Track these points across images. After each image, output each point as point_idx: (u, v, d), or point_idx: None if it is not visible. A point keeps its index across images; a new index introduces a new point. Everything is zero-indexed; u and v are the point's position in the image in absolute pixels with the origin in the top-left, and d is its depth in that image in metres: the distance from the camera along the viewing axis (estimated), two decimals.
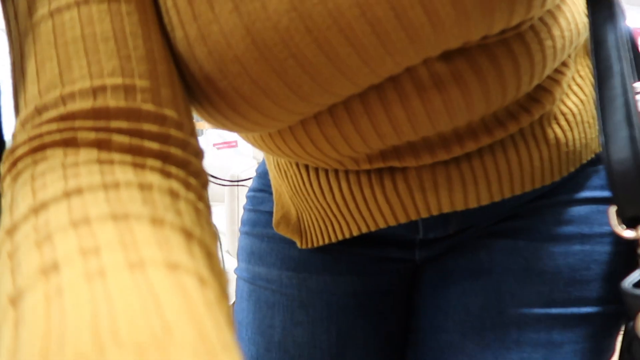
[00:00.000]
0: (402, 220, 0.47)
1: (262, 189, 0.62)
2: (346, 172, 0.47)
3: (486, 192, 0.45)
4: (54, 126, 0.26)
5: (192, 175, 0.29)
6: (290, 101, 0.34)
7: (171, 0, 0.33)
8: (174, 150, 0.28)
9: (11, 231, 0.22)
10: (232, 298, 1.28)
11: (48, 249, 0.20)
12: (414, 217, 0.47)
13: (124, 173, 0.25)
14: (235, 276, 0.64)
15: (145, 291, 0.18)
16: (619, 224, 0.42)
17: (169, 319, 0.18)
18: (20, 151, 0.26)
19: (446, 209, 0.46)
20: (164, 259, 0.20)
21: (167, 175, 0.27)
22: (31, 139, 0.26)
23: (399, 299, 0.59)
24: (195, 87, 0.35)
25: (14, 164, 0.26)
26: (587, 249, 0.47)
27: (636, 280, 0.40)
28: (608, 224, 0.47)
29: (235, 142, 2.98)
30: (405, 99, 0.37)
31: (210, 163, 2.63)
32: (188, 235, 0.23)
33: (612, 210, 0.43)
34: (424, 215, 0.46)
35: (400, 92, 0.37)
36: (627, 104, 0.42)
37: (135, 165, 0.26)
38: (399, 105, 0.37)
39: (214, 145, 3.00)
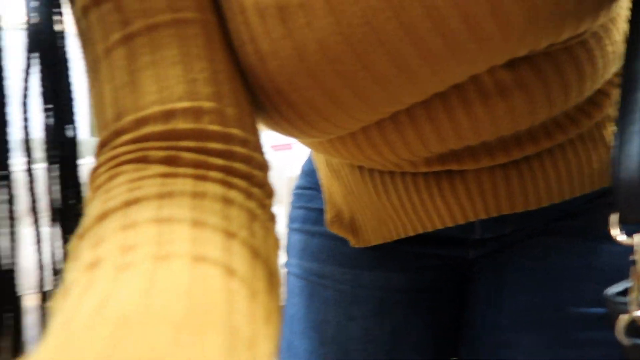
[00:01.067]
0: (460, 221, 0.47)
1: (309, 186, 0.63)
2: (402, 174, 0.48)
3: (546, 194, 0.45)
4: (128, 148, 0.29)
5: (256, 186, 0.31)
6: (359, 110, 0.35)
7: (242, 17, 0.34)
8: (238, 165, 0.30)
9: (81, 236, 0.25)
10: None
11: (97, 249, 0.22)
12: (471, 219, 0.47)
13: (183, 184, 0.26)
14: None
15: (157, 277, 0.19)
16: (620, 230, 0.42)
17: (164, 298, 0.19)
18: (100, 170, 0.29)
19: (505, 210, 0.46)
20: (191, 252, 0.22)
21: (228, 185, 0.28)
22: (109, 159, 0.29)
23: (451, 296, 0.59)
24: (264, 99, 0.36)
25: (93, 180, 0.29)
26: None
27: (621, 289, 0.40)
28: None
29: (290, 144, 2.96)
30: (468, 105, 0.38)
31: None
32: (230, 235, 0.24)
33: (614, 217, 0.43)
34: (482, 216, 0.46)
35: (464, 99, 0.37)
36: None
37: (197, 177, 0.28)
38: (462, 111, 0.38)
39: (271, 147, 3.20)
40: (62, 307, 0.20)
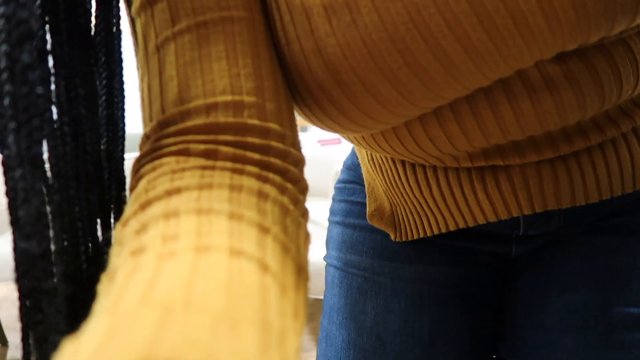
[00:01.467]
0: (504, 216, 0.46)
1: (352, 180, 0.64)
2: (445, 168, 0.47)
3: (595, 189, 0.44)
4: (171, 140, 0.30)
5: (290, 181, 0.32)
6: (401, 106, 0.35)
7: (288, 16, 0.35)
8: (274, 160, 0.31)
9: (125, 223, 0.27)
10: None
11: (142, 236, 0.24)
12: (515, 214, 0.46)
13: (221, 177, 0.28)
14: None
15: (198, 268, 0.20)
16: None
17: (204, 289, 0.19)
18: (143, 160, 0.31)
19: (551, 205, 0.45)
20: (230, 245, 0.22)
21: (263, 180, 0.29)
22: (153, 150, 0.31)
23: (492, 292, 0.58)
24: (307, 95, 0.37)
25: (137, 170, 0.31)
26: None
27: None
28: None
29: (339, 139, 3.06)
30: (514, 100, 0.37)
31: (315, 159, 2.61)
32: (264, 230, 0.25)
33: None
34: (527, 212, 0.45)
35: (509, 94, 0.37)
36: None
37: (234, 171, 0.29)
38: (507, 106, 0.37)
39: (318, 141, 3.07)
40: (108, 291, 0.21)
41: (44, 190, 0.25)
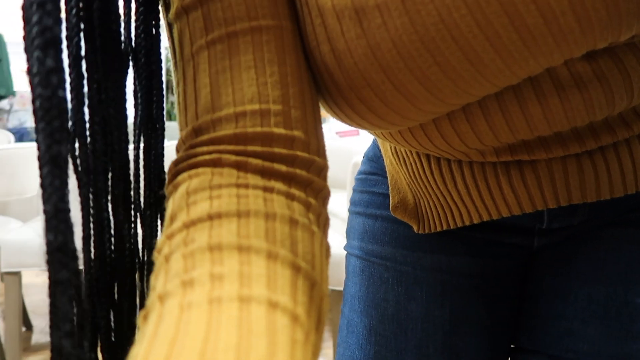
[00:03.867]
0: (528, 210, 0.47)
1: (374, 172, 0.64)
2: (470, 163, 0.48)
3: (620, 184, 0.44)
4: (205, 148, 0.32)
5: (314, 193, 0.33)
6: (430, 103, 0.36)
7: (319, 19, 0.35)
8: (299, 172, 0.33)
9: (170, 237, 0.29)
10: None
11: (190, 264, 0.26)
12: (540, 207, 0.46)
13: (255, 203, 0.30)
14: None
15: (244, 327, 0.23)
16: None
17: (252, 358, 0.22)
18: (180, 166, 0.33)
19: (576, 200, 0.45)
20: (268, 297, 0.25)
21: (291, 198, 0.32)
22: (189, 157, 0.33)
23: (513, 283, 0.59)
24: (337, 94, 0.37)
25: (175, 175, 0.33)
26: None
27: None
28: None
29: (357, 130, 3.01)
30: (542, 97, 0.37)
31: (333, 150, 2.60)
32: (296, 269, 0.28)
33: None
34: (552, 205, 0.46)
35: (538, 91, 0.37)
36: None
37: (265, 190, 0.31)
38: (535, 103, 0.38)
39: (337, 133, 3.08)
40: (166, 316, 0.24)
41: (66, 188, 0.27)
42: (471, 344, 0.57)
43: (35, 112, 0.27)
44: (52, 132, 0.26)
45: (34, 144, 2.07)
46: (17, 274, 1.73)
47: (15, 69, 4.86)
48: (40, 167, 0.26)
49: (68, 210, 0.27)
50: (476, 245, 0.58)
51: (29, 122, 5.38)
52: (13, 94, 4.54)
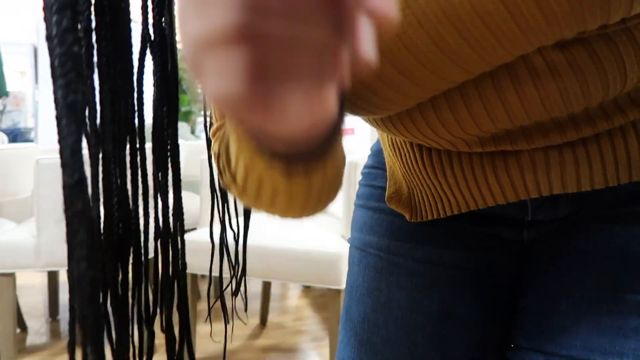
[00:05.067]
0: (511, 199, 0.48)
1: (376, 166, 0.67)
2: (458, 153, 0.49)
3: (601, 175, 0.45)
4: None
5: None
6: (405, 86, 0.37)
7: None
8: None
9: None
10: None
11: None
12: (523, 197, 0.47)
13: None
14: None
15: None
16: None
17: None
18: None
19: (557, 190, 0.46)
20: None
21: None
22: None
23: (505, 278, 0.59)
24: None
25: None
26: None
27: None
28: None
29: (352, 129, 3.08)
30: (518, 85, 0.38)
31: None
32: None
33: None
34: (534, 195, 0.47)
35: (514, 79, 0.38)
36: None
37: None
38: (512, 91, 0.39)
39: None
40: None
41: (82, 132, 0.29)
42: (461, 336, 0.57)
43: (53, 70, 0.28)
44: (68, 82, 0.27)
45: (28, 145, 2.08)
46: (12, 275, 1.72)
47: (8, 70, 4.84)
48: (58, 118, 0.28)
49: (82, 152, 0.29)
50: (467, 238, 0.59)
51: (22, 123, 5.36)
52: (6, 94, 4.51)
